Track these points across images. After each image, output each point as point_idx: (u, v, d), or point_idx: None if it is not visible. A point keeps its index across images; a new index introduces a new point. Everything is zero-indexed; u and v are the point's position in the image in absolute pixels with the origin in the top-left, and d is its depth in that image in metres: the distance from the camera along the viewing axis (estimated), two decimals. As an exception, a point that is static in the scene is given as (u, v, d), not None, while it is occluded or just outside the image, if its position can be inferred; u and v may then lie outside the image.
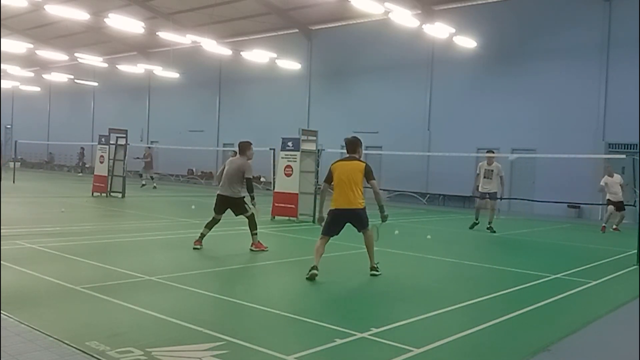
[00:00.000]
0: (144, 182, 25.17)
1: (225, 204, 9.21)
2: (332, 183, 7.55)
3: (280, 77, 28.80)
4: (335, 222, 7.55)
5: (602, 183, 14.93)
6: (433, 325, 5.44)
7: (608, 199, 14.98)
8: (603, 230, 14.85)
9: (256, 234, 9.21)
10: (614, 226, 14.76)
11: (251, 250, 9.15)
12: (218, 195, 9.29)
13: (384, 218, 7.68)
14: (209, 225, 9.27)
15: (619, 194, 14.61)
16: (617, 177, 14.76)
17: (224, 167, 9.29)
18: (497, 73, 22.13)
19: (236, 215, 9.33)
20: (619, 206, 14.64)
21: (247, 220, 9.21)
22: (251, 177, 9.17)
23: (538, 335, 5.19)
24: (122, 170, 19.61)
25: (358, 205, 7.49)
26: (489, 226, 13.69)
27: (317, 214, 8.06)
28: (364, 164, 7.52)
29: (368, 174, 7.46)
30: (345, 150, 7.81)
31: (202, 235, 9.18)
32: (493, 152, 14.18)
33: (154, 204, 18.97)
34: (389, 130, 24.56)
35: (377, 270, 7.66)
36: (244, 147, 9.31)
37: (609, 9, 19.45)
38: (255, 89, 30.45)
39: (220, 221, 9.38)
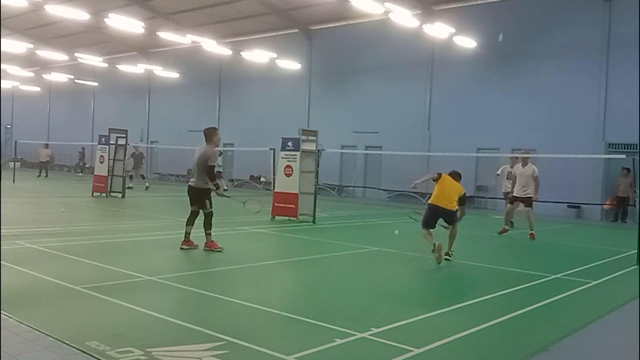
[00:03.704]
0: (131, 185, 24.49)
1: (192, 195, 8.87)
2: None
3: (280, 77, 28.79)
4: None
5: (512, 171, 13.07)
6: (433, 325, 5.43)
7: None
8: (504, 231, 12.68)
9: (210, 233, 8.82)
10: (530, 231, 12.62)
11: (205, 250, 8.78)
12: (188, 186, 8.97)
13: None
14: (190, 221, 8.87)
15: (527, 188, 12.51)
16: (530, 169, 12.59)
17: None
18: (497, 73, 22.12)
19: (199, 208, 8.89)
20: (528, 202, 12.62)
21: (205, 217, 8.78)
22: (214, 165, 8.70)
23: (538, 335, 5.19)
24: (122, 170, 19.62)
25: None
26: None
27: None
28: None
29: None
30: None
31: (187, 234, 8.88)
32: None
33: (154, 204, 18.97)
34: (389, 130, 24.57)
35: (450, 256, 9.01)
36: (209, 134, 8.84)
37: (609, 9, 19.44)
38: (255, 89, 30.45)
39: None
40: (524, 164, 12.65)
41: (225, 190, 9.07)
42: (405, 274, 8.24)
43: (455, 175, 9.68)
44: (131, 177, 24.99)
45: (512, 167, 13.01)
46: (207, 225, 8.82)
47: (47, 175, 30.50)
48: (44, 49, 33.46)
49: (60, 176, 33.87)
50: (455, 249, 9.13)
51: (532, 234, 12.48)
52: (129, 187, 23.69)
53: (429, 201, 9.31)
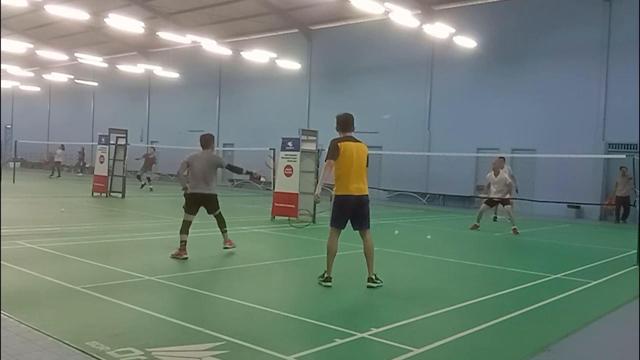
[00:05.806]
0: (144, 183, 25.03)
1: (200, 202, 8.72)
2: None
3: (280, 77, 28.80)
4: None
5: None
6: (433, 325, 5.43)
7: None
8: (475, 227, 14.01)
9: (226, 231, 9.02)
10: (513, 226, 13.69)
11: (225, 248, 8.91)
12: (192, 194, 8.59)
13: None
14: (185, 230, 8.53)
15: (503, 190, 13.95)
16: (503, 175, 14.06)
17: (187, 166, 8.67)
18: (497, 73, 22.13)
19: (209, 212, 8.87)
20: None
21: (216, 218, 8.93)
22: (226, 163, 9.05)
23: (538, 335, 5.19)
24: (122, 170, 19.63)
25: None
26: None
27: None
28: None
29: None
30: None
31: (184, 243, 8.43)
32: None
33: (154, 204, 18.96)
34: (389, 130, 24.56)
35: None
36: (209, 140, 8.92)
37: (609, 9, 19.44)
38: (255, 89, 30.44)
39: (220, 222, 9.13)
40: (496, 174, 13.96)
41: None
42: (405, 273, 8.24)
43: (344, 123, 7.01)
44: (139, 177, 25.30)
45: (496, 175, 13.98)
46: (223, 224, 9.01)
47: (59, 176, 30.76)
48: (44, 49, 33.44)
49: (61, 176, 33.86)
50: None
51: (514, 228, 13.53)
52: (144, 185, 24.19)
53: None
